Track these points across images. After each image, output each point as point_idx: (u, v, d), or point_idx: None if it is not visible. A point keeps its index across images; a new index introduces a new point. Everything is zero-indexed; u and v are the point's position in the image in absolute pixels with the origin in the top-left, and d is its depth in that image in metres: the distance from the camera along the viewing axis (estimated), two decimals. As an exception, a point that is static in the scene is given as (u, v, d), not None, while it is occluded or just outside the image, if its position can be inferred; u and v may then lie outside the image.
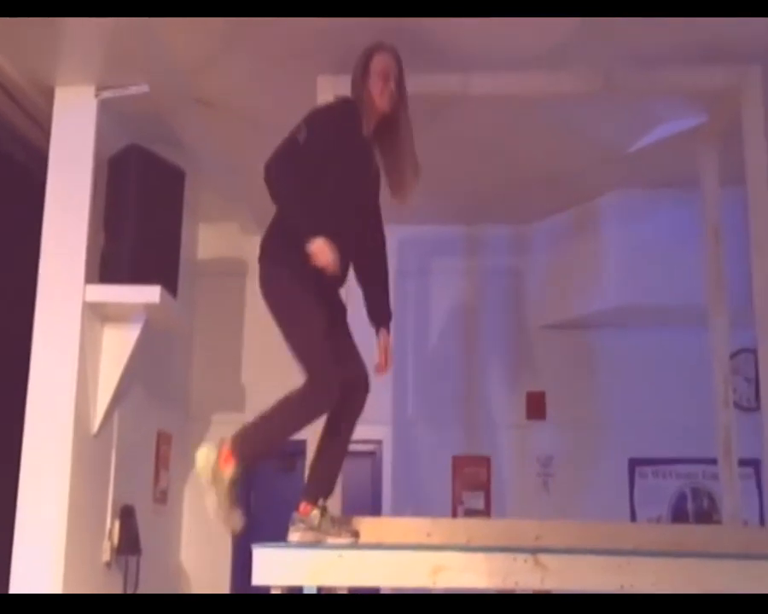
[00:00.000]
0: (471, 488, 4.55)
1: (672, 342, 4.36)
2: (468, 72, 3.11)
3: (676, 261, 4.04)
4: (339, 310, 2.66)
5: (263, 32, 2.98)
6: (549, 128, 3.64)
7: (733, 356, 3.97)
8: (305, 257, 2.39)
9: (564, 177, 4.11)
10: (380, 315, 2.73)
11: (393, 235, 4.59)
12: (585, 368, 4.54)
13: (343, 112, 2.57)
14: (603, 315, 4.34)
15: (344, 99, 2.63)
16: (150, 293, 3.24)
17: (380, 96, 2.55)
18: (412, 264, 4.72)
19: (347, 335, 2.64)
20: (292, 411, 2.43)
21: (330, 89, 3.08)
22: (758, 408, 2.95)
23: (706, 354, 3.41)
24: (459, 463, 4.57)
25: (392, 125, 2.61)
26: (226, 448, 2.33)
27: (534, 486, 4.53)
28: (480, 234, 4.77)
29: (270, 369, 4.51)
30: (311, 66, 3.09)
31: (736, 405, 4.04)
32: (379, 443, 4.64)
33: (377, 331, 2.72)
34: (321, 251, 2.37)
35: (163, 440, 4.17)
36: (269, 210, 4.49)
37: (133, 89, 3.19)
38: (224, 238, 4.61)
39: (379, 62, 2.57)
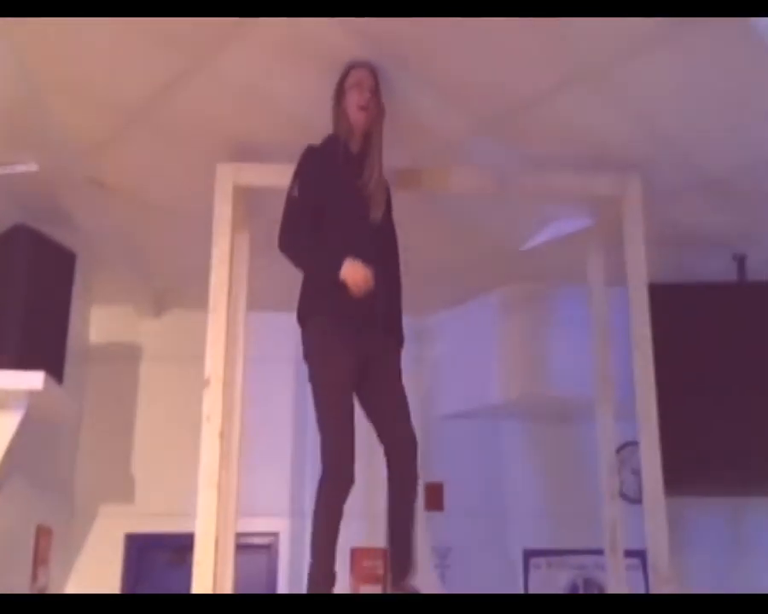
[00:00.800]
0: (369, 581, 4.47)
1: (565, 434, 4.46)
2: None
3: (568, 355, 4.16)
4: (373, 358, 2.62)
5: (162, 116, 2.98)
6: (445, 222, 3.75)
7: (621, 448, 4.11)
8: (333, 309, 2.52)
9: (460, 271, 4.22)
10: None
11: (288, 323, 4.67)
12: (482, 459, 4.58)
13: (321, 149, 2.66)
14: (499, 407, 4.42)
15: (329, 135, 2.69)
16: (33, 379, 3.09)
17: (355, 110, 2.60)
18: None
19: (383, 391, 2.63)
20: (316, 510, 2.50)
21: (230, 177, 3.11)
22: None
23: (595, 446, 3.50)
24: (357, 556, 4.48)
25: (371, 136, 2.65)
26: None
27: (431, 578, 4.47)
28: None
29: (162, 459, 4.40)
30: (211, 154, 3.11)
31: (624, 497, 4.16)
32: (275, 535, 4.51)
33: None
34: (353, 271, 2.45)
35: (43, 534, 3.93)
36: (164, 293, 4.46)
37: (22, 168, 3.12)
38: (117, 321, 4.49)
39: (352, 77, 2.62)
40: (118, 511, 4.37)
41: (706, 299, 3.98)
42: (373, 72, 2.64)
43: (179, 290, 4.30)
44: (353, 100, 2.60)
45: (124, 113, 2.97)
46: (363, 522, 4.53)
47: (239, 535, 3.40)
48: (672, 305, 3.77)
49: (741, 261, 3.97)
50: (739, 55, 2.66)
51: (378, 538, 4.49)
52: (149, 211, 3.54)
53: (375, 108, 2.63)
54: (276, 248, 3.88)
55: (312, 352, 2.60)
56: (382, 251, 2.69)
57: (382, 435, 2.63)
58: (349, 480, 2.53)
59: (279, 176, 3.14)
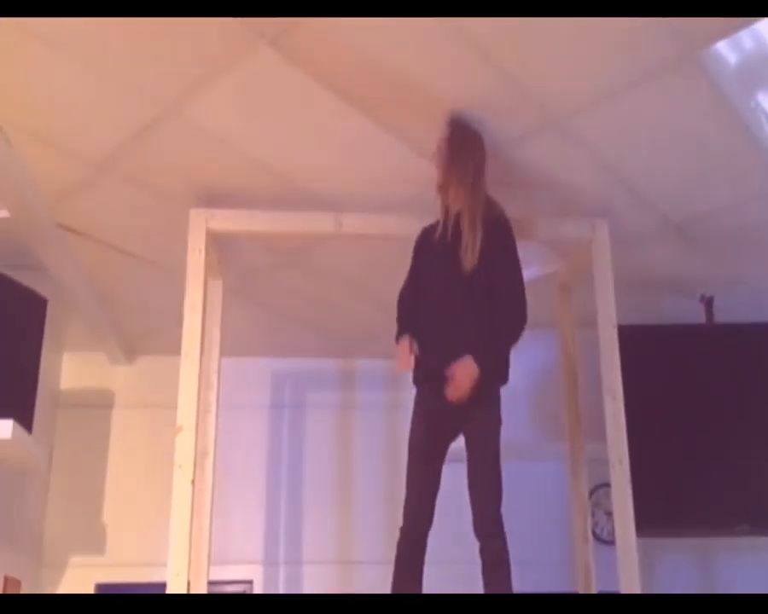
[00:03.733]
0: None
1: (537, 477, 4.46)
2: (341, 212, 3.22)
3: (541, 398, 4.19)
4: (473, 438, 2.62)
5: (132, 164, 3.00)
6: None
7: (595, 490, 4.12)
8: (417, 378, 2.71)
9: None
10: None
11: (267, 368, 4.66)
12: (456, 502, 4.53)
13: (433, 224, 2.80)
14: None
15: None
16: (1, 428, 3.05)
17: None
18: (287, 397, 4.69)
19: (469, 465, 2.60)
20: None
21: (203, 222, 3.13)
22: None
23: (568, 489, 3.52)
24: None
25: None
26: None
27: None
28: (356, 369, 4.80)
29: (134, 507, 4.33)
30: (182, 201, 3.13)
31: (598, 538, 4.16)
32: (249, 583, 4.44)
33: None
34: (399, 351, 2.66)
35: (11, 586, 3.84)
36: (136, 339, 4.44)
37: (-7, 214, 3.11)
38: (89, 368, 4.45)
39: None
40: (88, 561, 4.27)
41: (675, 341, 4.02)
42: (450, 124, 2.72)
43: (151, 336, 4.28)
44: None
45: (94, 161, 2.98)
46: (337, 568, 4.49)
47: (211, 583, 3.36)
48: (642, 347, 3.80)
49: (708, 303, 4.03)
50: (697, 104, 2.74)
51: (352, 584, 4.44)
52: (120, 257, 3.54)
53: (445, 160, 2.70)
54: (249, 294, 3.92)
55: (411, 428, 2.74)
56: (477, 298, 2.62)
57: (473, 520, 2.64)
58: (416, 541, 2.65)
59: (252, 222, 3.19)
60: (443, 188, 2.74)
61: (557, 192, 3.20)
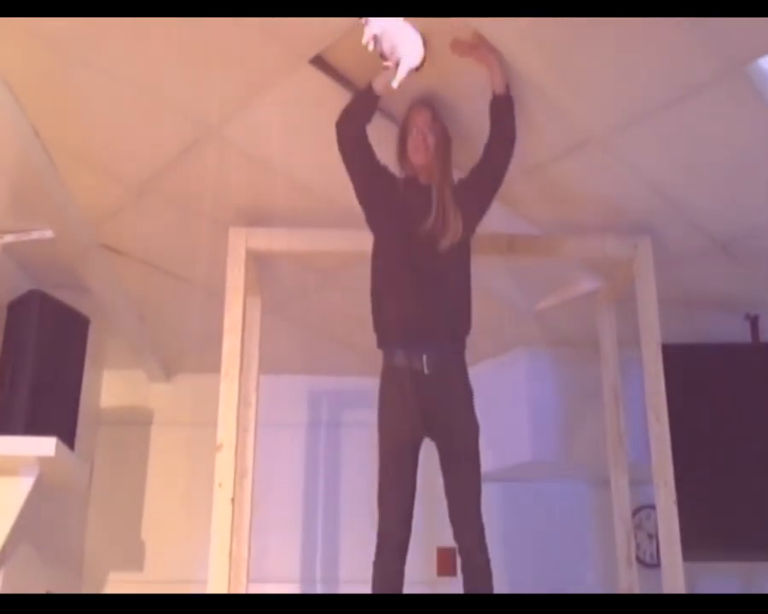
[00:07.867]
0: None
1: (577, 498, 4.39)
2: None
3: (580, 418, 4.12)
4: (455, 435, 2.51)
5: (173, 184, 3.03)
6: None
7: (636, 512, 4.04)
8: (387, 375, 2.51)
9: (472, 334, 4.20)
10: None
11: (304, 386, 4.66)
12: (493, 524, 4.47)
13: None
14: (513, 470, 4.34)
15: None
16: (45, 445, 3.07)
17: (413, 152, 2.62)
18: (324, 415, 4.68)
19: (446, 472, 2.50)
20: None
21: (242, 241, 3.14)
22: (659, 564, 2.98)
23: (609, 511, 3.45)
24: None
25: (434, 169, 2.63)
26: None
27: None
28: (392, 386, 4.76)
29: (173, 525, 4.34)
30: (221, 220, 3.15)
31: (640, 561, 4.07)
32: (285, 601, 4.44)
33: None
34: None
35: (50, 602, 3.88)
36: (175, 357, 4.47)
37: (36, 235, 3.15)
38: (129, 385, 4.48)
39: (409, 121, 2.64)
40: (127, 577, 4.29)
41: (720, 360, 3.94)
42: (429, 106, 2.65)
43: (189, 354, 4.31)
44: (411, 144, 2.63)
45: (136, 182, 3.02)
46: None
47: (249, 601, 3.35)
48: (685, 366, 3.73)
49: (753, 321, 3.95)
50: (743, 119, 2.69)
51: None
52: (160, 276, 3.57)
53: (434, 143, 2.62)
54: (287, 312, 3.93)
55: (378, 403, 2.57)
56: (447, 280, 2.60)
57: (453, 532, 2.52)
58: (400, 549, 2.49)
59: (291, 241, 3.21)
60: (423, 168, 2.63)
61: (599, 209, 3.16)
